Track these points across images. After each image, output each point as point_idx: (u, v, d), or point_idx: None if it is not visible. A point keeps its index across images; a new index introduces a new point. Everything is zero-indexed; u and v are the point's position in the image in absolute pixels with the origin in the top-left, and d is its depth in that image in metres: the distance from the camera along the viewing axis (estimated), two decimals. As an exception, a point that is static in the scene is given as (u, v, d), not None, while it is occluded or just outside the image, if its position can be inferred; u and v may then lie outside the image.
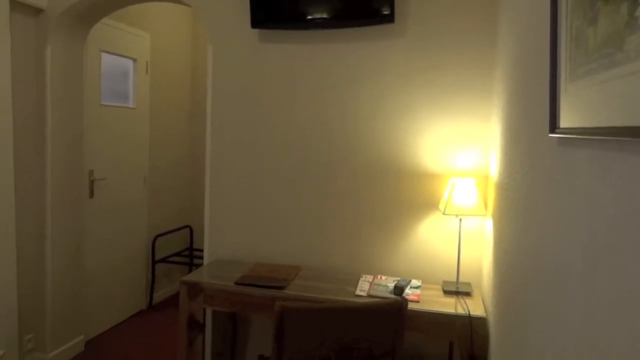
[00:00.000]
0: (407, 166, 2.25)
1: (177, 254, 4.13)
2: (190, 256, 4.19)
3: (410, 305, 1.87)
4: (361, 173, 2.32)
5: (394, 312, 1.73)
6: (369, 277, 2.21)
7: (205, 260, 2.54)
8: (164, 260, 3.93)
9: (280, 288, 2.03)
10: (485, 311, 1.89)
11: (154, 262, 3.85)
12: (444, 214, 2.01)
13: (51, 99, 2.72)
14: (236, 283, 2.07)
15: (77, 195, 2.98)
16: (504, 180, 1.67)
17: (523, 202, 1.29)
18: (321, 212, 2.39)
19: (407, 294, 1.98)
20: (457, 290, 2.06)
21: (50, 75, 2.71)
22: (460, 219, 2.10)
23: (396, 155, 2.26)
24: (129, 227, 3.59)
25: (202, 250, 4.28)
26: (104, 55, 3.26)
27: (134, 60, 3.58)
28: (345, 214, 2.36)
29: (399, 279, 2.18)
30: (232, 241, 2.51)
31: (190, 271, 4.38)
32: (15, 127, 2.57)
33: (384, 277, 2.20)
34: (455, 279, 2.21)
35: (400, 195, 2.27)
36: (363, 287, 2.07)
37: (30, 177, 2.71)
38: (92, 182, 3.17)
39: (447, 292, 2.06)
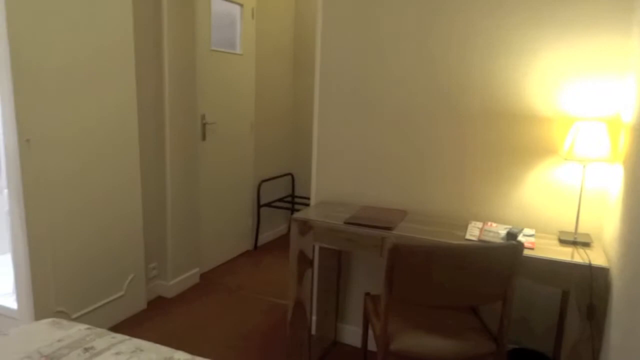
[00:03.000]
0: (519, 108, 2.11)
1: (280, 200, 4.30)
2: (292, 202, 4.34)
3: (525, 252, 1.79)
4: (468, 116, 2.22)
5: (508, 255, 1.67)
6: (478, 224, 2.14)
7: (312, 202, 2.61)
8: (268, 205, 4.11)
9: (389, 229, 2.04)
10: (608, 262, 1.76)
11: (259, 206, 4.04)
12: (565, 159, 1.86)
13: (167, 43, 2.87)
14: (345, 222, 2.11)
15: (192, 138, 3.17)
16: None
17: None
18: (426, 158, 2.33)
19: (521, 241, 1.89)
20: (574, 240, 1.93)
21: (167, 19, 2.84)
22: (584, 166, 1.95)
23: (507, 97, 2.12)
24: (237, 171, 3.78)
25: (303, 198, 4.41)
26: (213, 0, 3.36)
27: (241, 5, 3.65)
28: (452, 159, 2.28)
29: (510, 226, 2.10)
30: (337, 185, 2.55)
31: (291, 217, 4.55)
32: (137, 70, 2.74)
33: (494, 224, 2.13)
34: (573, 230, 2.08)
35: (511, 140, 2.15)
36: (473, 232, 2.02)
37: (151, 118, 2.91)
38: (203, 125, 3.35)
39: (563, 242, 1.94)
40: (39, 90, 2.20)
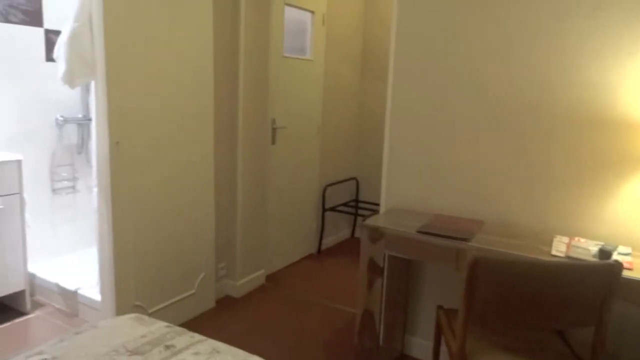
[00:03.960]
0: (613, 115, 1.96)
1: (344, 204, 4.28)
2: (356, 207, 4.32)
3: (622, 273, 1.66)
4: (555, 123, 2.09)
5: (604, 276, 1.55)
6: (564, 239, 2.02)
7: (382, 209, 2.57)
8: (332, 209, 4.11)
9: (465, 240, 1.96)
10: None
11: (323, 210, 4.04)
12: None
13: (243, 50, 2.93)
14: (418, 231, 2.06)
15: (262, 142, 3.22)
16: None
17: None
18: (506, 165, 2.23)
19: (618, 261, 1.76)
20: (676, 261, 1.77)
21: (244, 27, 2.91)
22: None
23: (599, 103, 1.98)
24: (303, 175, 3.80)
25: (367, 203, 4.37)
26: (286, 8, 3.40)
27: (312, 12, 3.68)
28: (536, 167, 2.16)
29: (601, 243, 1.95)
30: (409, 192, 2.49)
31: (355, 222, 4.52)
32: (215, 76, 2.82)
33: (582, 240, 1.99)
34: (672, 249, 1.91)
35: (603, 149, 2.00)
36: (559, 247, 1.90)
37: (226, 122, 2.99)
38: (274, 129, 3.39)
39: (664, 263, 1.79)
40: (128, 95, 2.31)
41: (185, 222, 2.72)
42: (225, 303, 3.06)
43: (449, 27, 2.29)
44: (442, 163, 2.39)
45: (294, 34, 3.57)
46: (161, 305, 2.62)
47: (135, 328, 1.60)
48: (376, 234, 2.15)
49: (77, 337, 1.53)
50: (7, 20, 2.85)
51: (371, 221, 2.22)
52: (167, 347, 1.49)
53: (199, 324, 2.77)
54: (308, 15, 3.68)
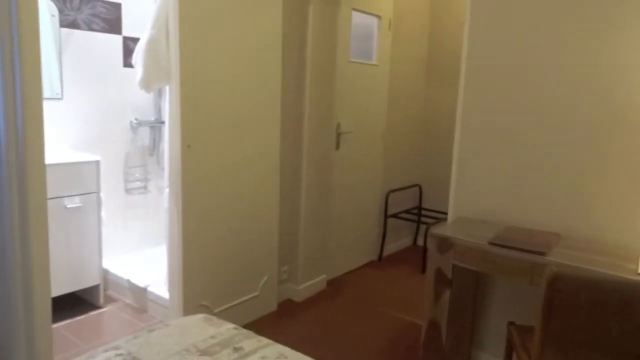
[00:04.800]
0: None
1: (406, 211, 4.20)
2: (419, 214, 4.23)
3: None
4: (637, 134, 1.94)
5: None
6: (653, 256, 1.86)
7: (450, 217, 2.49)
8: (394, 215, 4.04)
9: (542, 254, 1.86)
10: None
11: (386, 217, 3.99)
12: None
13: (311, 54, 2.95)
14: (490, 243, 1.97)
15: (326, 146, 3.22)
16: None
17: None
18: (586, 174, 2.09)
19: None
20: None
21: (312, 32, 2.92)
22: None
23: None
24: (366, 181, 3.77)
25: (430, 210, 4.27)
26: (353, 13, 3.39)
27: (379, 17, 3.65)
28: (619, 178, 2.01)
29: (697, 262, 1.79)
30: (478, 201, 2.40)
31: (417, 229, 4.43)
32: (282, 81, 2.85)
33: (674, 258, 1.83)
34: None
35: None
36: (648, 266, 1.75)
37: (291, 127, 3.01)
38: (338, 134, 3.38)
39: None
40: (199, 100, 2.38)
41: (250, 224, 2.76)
42: (286, 306, 3.07)
43: (524, 34, 2.19)
44: (516, 172, 2.28)
45: (360, 39, 3.55)
46: (226, 306, 2.67)
47: (205, 329, 1.63)
48: (445, 244, 2.09)
49: (150, 334, 1.57)
50: (90, 28, 3.02)
51: (439, 230, 2.15)
52: (236, 350, 1.50)
53: (261, 327, 2.79)
54: (374, 19, 3.65)
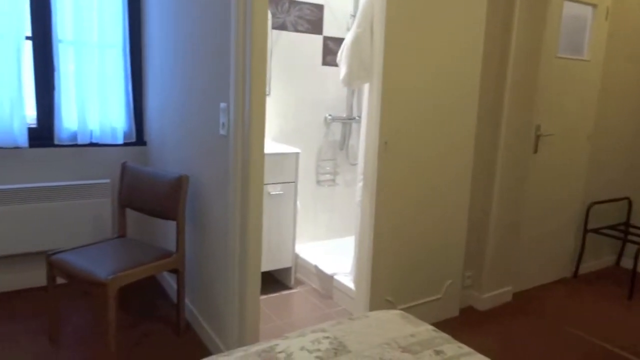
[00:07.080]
0: None
1: (610, 227, 3.69)
2: (626, 231, 3.68)
3: None
4: None
5: None
6: None
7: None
8: (596, 230, 3.58)
9: None
10: None
11: (585, 231, 3.56)
12: None
13: (514, 50, 2.75)
14: None
15: (524, 149, 2.98)
16: None
17: None
18: None
19: None
20: None
21: (517, 26, 2.72)
22: None
23: None
24: (566, 189, 3.41)
25: (639, 228, 3.69)
26: (565, 3, 3.07)
27: (594, 6, 3.24)
28: None
29: None
30: None
31: (622, 248, 3.87)
32: (481, 77, 2.71)
33: None
34: None
35: None
36: None
37: (486, 127, 2.85)
38: (537, 137, 3.11)
39: None
40: (399, 97, 2.39)
41: (438, 224, 2.70)
42: (468, 314, 2.94)
43: None
44: None
45: (568, 32, 3.21)
46: (409, 304, 2.66)
47: (404, 325, 1.63)
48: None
49: (352, 322, 1.63)
50: (296, 29, 3.26)
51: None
52: (437, 353, 1.47)
53: (443, 331, 2.71)
54: (588, 9, 3.26)
